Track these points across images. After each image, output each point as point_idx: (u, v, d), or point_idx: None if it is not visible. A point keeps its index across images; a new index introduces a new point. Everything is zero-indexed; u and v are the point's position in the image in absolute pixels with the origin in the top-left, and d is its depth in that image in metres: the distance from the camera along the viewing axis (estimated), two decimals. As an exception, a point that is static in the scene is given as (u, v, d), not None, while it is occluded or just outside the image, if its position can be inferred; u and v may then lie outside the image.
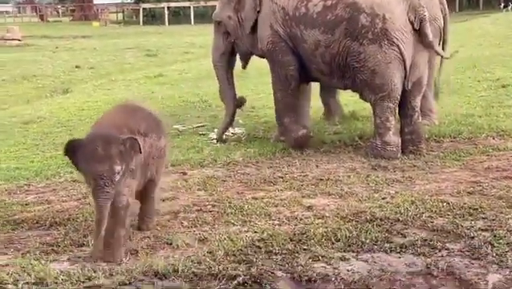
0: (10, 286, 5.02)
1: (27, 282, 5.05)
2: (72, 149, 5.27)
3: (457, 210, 6.58)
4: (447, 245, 5.77)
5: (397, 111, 9.06)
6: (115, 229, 5.46)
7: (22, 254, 5.72)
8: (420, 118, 9.42)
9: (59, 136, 11.26)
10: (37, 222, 6.56)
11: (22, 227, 6.46)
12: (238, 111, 10.67)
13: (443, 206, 6.70)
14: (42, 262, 5.47)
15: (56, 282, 5.06)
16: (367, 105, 9.60)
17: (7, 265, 5.47)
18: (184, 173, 8.43)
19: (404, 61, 8.75)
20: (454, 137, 9.78)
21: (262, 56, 10.21)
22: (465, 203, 6.79)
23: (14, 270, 5.31)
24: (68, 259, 5.60)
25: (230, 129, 10.71)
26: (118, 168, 5.15)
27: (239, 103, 10.63)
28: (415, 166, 8.45)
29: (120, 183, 5.28)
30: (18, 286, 4.99)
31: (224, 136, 10.34)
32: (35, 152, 10.02)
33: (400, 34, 8.72)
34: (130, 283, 5.10)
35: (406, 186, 7.59)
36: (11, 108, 14.82)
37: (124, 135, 5.32)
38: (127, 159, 5.24)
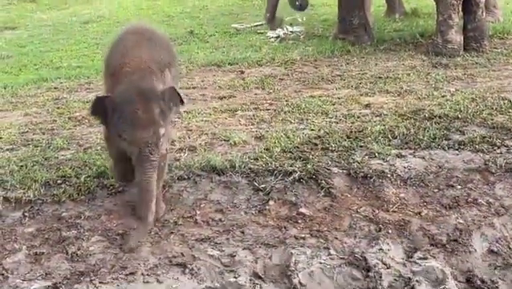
0: (72, 179, 5.17)
1: (89, 176, 5.20)
2: (104, 108, 4.38)
3: (519, 107, 6.47)
4: (506, 142, 5.71)
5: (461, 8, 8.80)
6: (159, 182, 4.72)
7: (84, 149, 5.86)
8: (485, 14, 9.14)
9: (119, 35, 11.31)
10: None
11: (84, 124, 6.59)
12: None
13: (504, 104, 6.58)
14: (103, 156, 5.59)
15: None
16: (430, 2, 9.36)
17: (70, 159, 5.62)
18: (242, 72, 8.41)
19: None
20: (519, 34, 9.51)
21: None
22: (527, 100, 6.67)
23: (76, 165, 5.46)
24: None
25: (289, 27, 10.60)
26: (163, 130, 4.36)
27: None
28: (477, 63, 8.28)
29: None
30: (81, 180, 5.14)
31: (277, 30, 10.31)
32: (95, 50, 10.11)
33: None
34: (188, 178, 5.20)
35: (467, 84, 7.46)
36: (71, 8, 14.88)
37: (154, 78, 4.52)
38: (167, 114, 4.43)
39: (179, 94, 4.48)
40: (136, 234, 4.52)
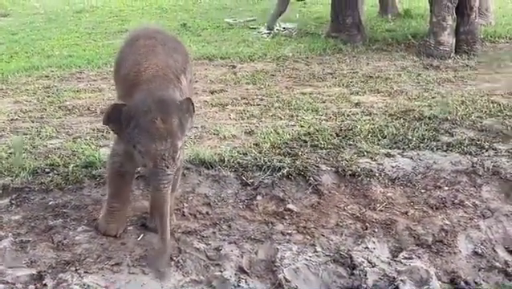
0: (60, 168, 5.16)
1: (77, 165, 5.19)
2: (119, 117, 4.01)
3: (508, 111, 6.49)
4: (494, 145, 5.73)
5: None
6: (172, 195, 4.36)
7: (73, 138, 5.85)
8: (478, 18, 9.19)
9: (111, 25, 11.33)
10: (88, 109, 6.68)
11: (74, 113, 6.58)
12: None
13: (493, 107, 6.62)
14: (92, 146, 5.59)
15: (105, 166, 5.16)
16: (423, 3, 9.39)
17: (59, 148, 5.61)
18: (234, 67, 8.42)
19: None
20: (510, 38, 9.57)
21: None
22: (516, 104, 6.70)
23: (65, 154, 5.45)
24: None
25: (282, 24, 10.62)
26: (180, 143, 3.99)
27: None
28: (468, 66, 8.33)
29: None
30: (69, 169, 5.13)
31: (275, 29, 10.31)
32: (87, 40, 10.10)
33: None
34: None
35: (457, 86, 7.50)
36: (64, -3, 14.86)
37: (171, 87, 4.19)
38: (185, 126, 4.08)
39: (193, 104, 4.15)
40: (159, 256, 4.14)
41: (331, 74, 8.04)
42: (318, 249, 4.56)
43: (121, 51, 4.66)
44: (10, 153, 5.44)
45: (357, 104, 6.85)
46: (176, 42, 4.73)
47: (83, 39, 10.23)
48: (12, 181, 4.96)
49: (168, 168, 3.91)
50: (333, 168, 5.29)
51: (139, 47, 4.43)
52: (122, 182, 4.45)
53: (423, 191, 5.16)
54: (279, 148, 5.62)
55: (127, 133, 4.00)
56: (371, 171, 5.29)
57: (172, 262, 4.31)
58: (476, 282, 4.53)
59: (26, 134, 5.92)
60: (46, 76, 8.00)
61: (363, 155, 5.53)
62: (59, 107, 6.73)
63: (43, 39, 10.22)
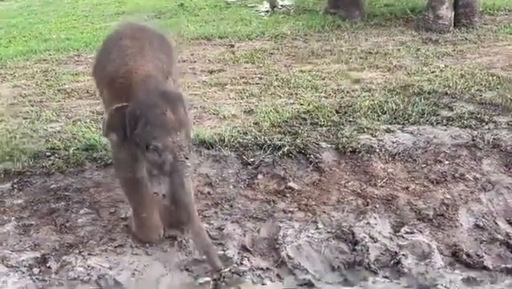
0: (61, 151, 5.17)
1: (78, 148, 5.20)
2: (122, 120, 3.88)
3: (507, 84, 6.48)
4: (494, 118, 5.73)
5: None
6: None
7: (73, 121, 5.86)
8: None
9: (108, 7, 11.29)
10: (87, 92, 6.67)
11: (73, 96, 6.59)
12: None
13: (493, 80, 6.61)
14: (92, 129, 5.60)
15: (105, 149, 5.18)
16: (421, -23, 9.36)
17: (59, 132, 5.62)
18: (232, 46, 8.40)
19: None
20: (509, 10, 9.52)
21: None
22: (515, 77, 6.69)
23: (65, 137, 5.47)
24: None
25: (279, 1, 10.58)
26: (191, 132, 3.97)
27: None
28: (467, 40, 8.30)
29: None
30: (69, 152, 5.14)
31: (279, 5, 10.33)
32: (85, 23, 10.08)
33: None
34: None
35: (456, 60, 7.48)
36: (61, -20, 14.81)
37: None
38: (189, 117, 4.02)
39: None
40: (208, 253, 4.04)
41: (330, 51, 8.01)
42: (320, 226, 4.58)
43: (104, 51, 4.45)
44: (11, 138, 5.45)
45: (356, 81, 6.84)
46: (160, 41, 4.49)
47: (80, 22, 10.21)
48: (13, 165, 4.97)
49: (187, 158, 3.82)
50: (333, 146, 5.29)
51: (125, 48, 4.22)
52: (140, 187, 4.25)
53: (423, 166, 5.16)
54: (279, 126, 5.62)
55: (136, 135, 3.83)
56: (372, 147, 5.29)
57: (175, 243, 4.33)
58: (478, 255, 4.54)
59: (26, 118, 5.93)
60: (45, 60, 7.99)
61: (364, 131, 5.52)
62: (58, 91, 6.73)
63: (41, 23, 10.21)
